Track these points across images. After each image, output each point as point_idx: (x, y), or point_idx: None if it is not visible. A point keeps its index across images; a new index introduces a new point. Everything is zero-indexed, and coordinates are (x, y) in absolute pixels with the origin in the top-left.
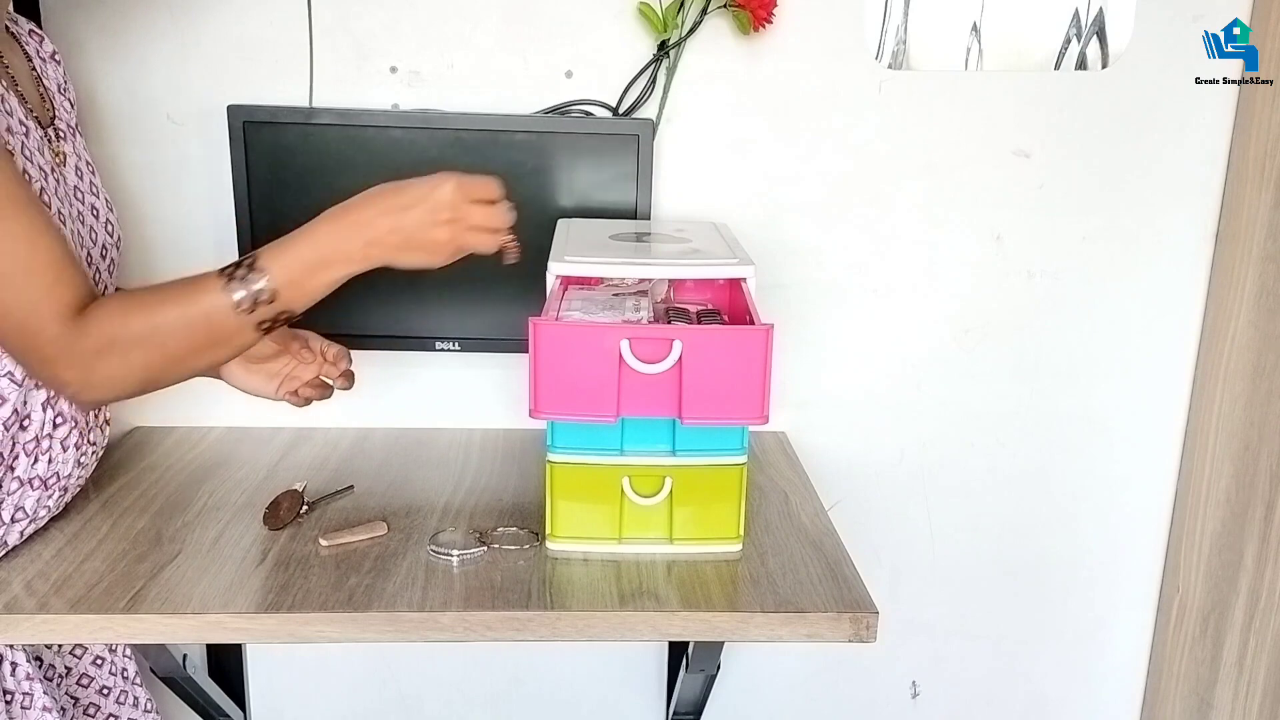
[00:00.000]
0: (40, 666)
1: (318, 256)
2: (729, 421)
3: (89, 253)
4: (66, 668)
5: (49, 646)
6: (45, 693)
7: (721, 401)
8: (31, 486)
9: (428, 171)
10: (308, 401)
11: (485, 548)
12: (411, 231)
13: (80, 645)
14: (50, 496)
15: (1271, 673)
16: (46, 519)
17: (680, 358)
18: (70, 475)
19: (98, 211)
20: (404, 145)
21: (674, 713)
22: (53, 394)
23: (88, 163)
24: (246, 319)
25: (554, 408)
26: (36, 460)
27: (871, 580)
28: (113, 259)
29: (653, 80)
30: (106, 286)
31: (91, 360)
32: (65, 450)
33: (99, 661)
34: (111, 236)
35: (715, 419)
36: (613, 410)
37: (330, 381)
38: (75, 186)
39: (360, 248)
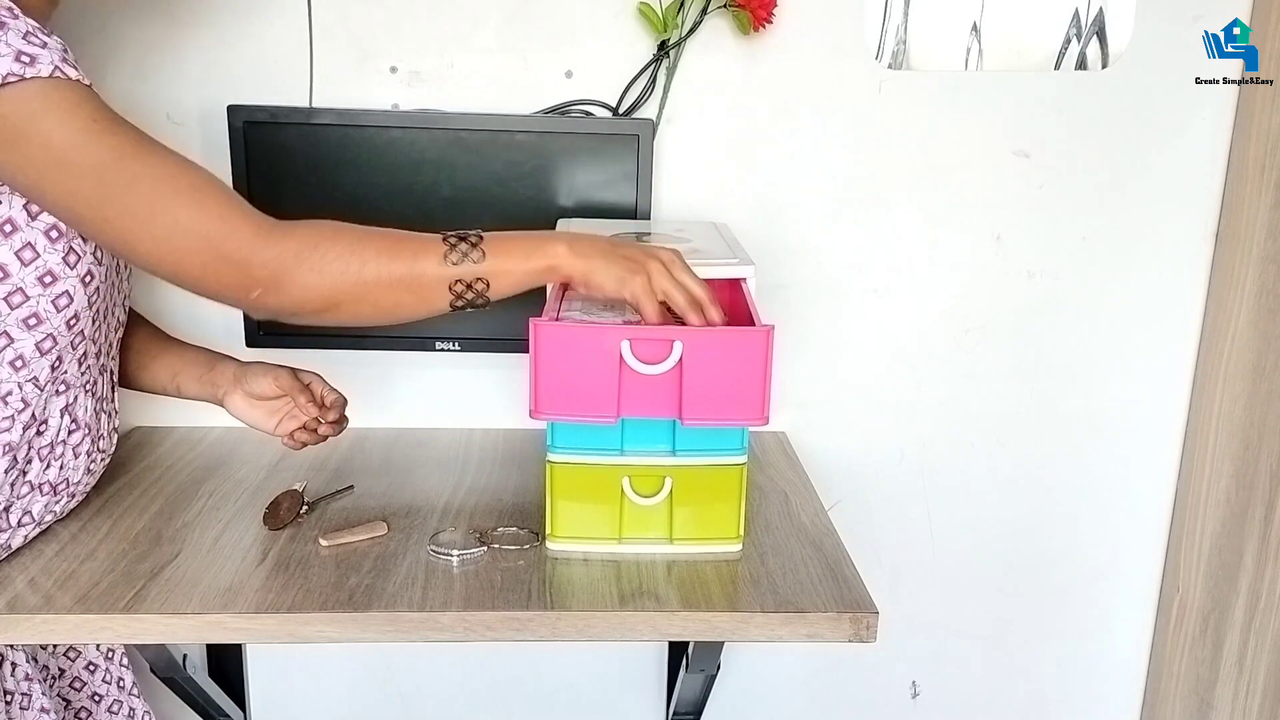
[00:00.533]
0: (36, 666)
1: (531, 243)
2: (729, 422)
3: (116, 262)
4: (60, 669)
5: (44, 647)
6: (43, 694)
7: (722, 402)
8: (41, 492)
9: (428, 171)
10: (302, 445)
11: (485, 548)
12: (620, 248)
13: (74, 649)
14: (58, 502)
15: (1271, 673)
16: (51, 523)
17: (681, 358)
18: (80, 482)
19: None
20: (404, 145)
21: (674, 713)
22: (70, 400)
23: None
24: (449, 274)
25: (554, 408)
26: (49, 466)
27: (871, 580)
28: (132, 269)
29: (653, 80)
30: (126, 296)
31: (290, 259)
32: (77, 457)
33: (92, 668)
34: None
35: (716, 420)
36: (613, 411)
37: (321, 424)
38: None
39: (568, 243)
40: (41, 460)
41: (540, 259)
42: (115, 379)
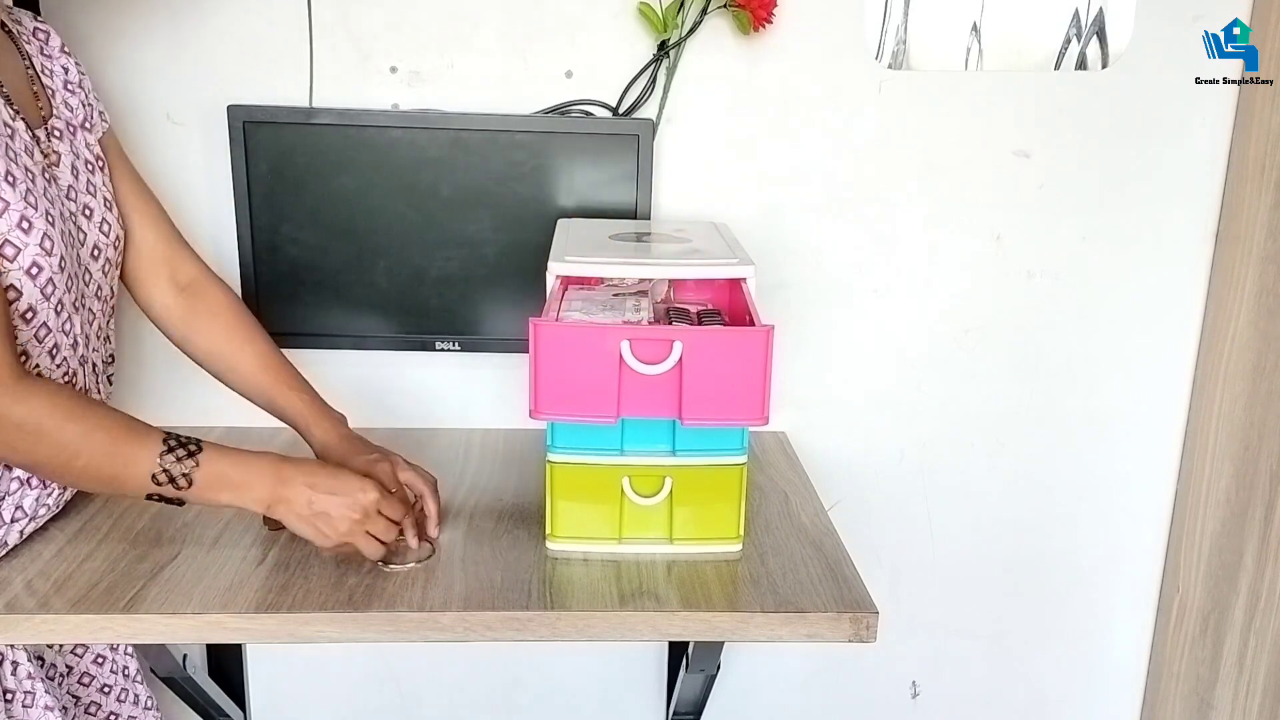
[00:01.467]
0: (42, 666)
1: (240, 479)
2: (729, 422)
3: (77, 253)
4: (68, 666)
5: (50, 646)
6: (47, 691)
7: (722, 402)
8: (30, 485)
9: (428, 171)
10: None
11: (433, 549)
12: (320, 510)
13: (81, 644)
14: (50, 495)
15: (1271, 673)
16: (46, 518)
17: (680, 358)
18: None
19: (91, 211)
20: (404, 145)
21: (674, 713)
22: None
23: (87, 162)
24: (147, 484)
25: (554, 408)
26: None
27: (871, 580)
28: (108, 258)
29: (653, 80)
30: (100, 286)
31: (7, 428)
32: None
33: (100, 660)
34: (106, 236)
35: (715, 420)
36: (613, 411)
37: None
38: (69, 186)
39: (271, 493)
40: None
41: (237, 496)
42: (103, 370)
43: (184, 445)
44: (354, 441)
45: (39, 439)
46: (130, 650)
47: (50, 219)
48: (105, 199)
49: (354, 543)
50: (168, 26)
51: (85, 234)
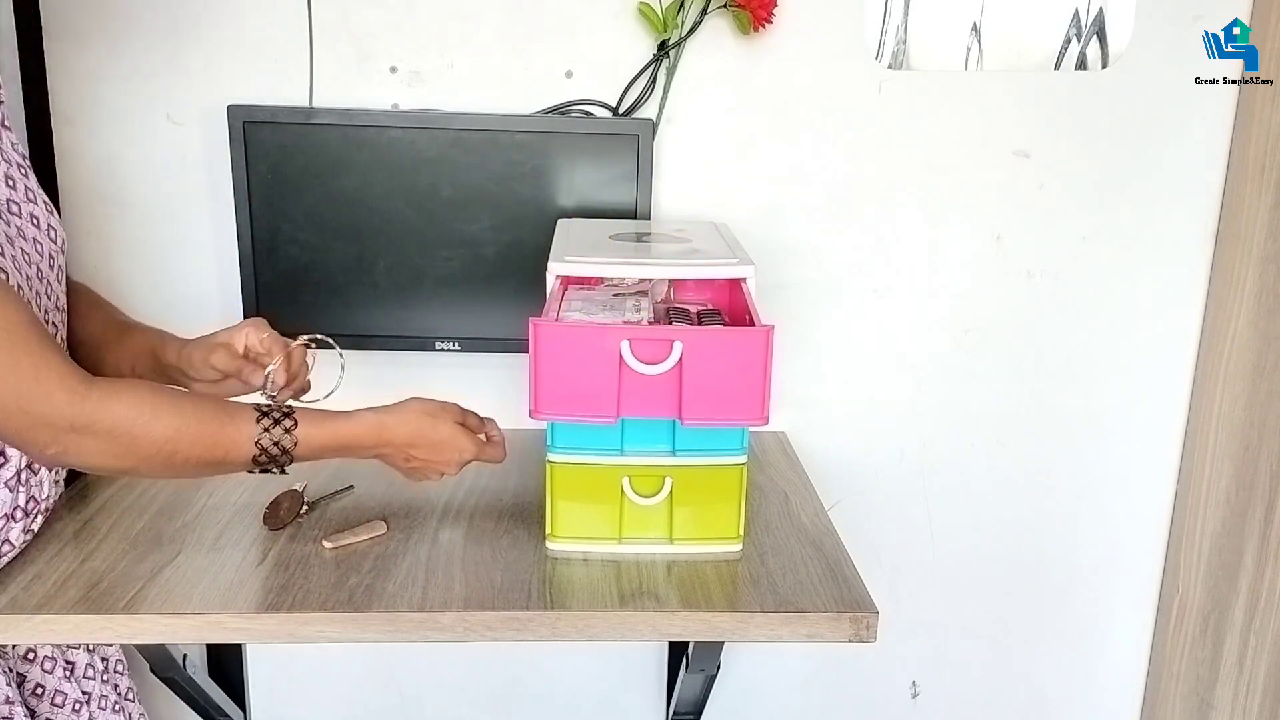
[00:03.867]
0: (23, 685)
1: (341, 447)
2: (729, 422)
3: (38, 268)
4: (56, 689)
5: (31, 661)
6: (26, 716)
7: (722, 402)
8: (15, 519)
9: (428, 171)
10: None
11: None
12: (419, 466)
13: (65, 662)
14: (34, 521)
15: (1271, 673)
16: (27, 543)
17: (680, 359)
18: (48, 496)
19: (38, 220)
20: (404, 145)
21: (674, 713)
22: None
23: (19, 165)
24: (249, 464)
25: (554, 408)
26: (17, 492)
27: (871, 580)
28: (60, 266)
29: (653, 80)
30: (59, 297)
31: (102, 432)
32: (37, 473)
33: (90, 677)
34: (55, 242)
35: (716, 420)
36: (613, 411)
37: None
38: (8, 200)
39: (373, 452)
40: (10, 490)
41: (341, 456)
42: None
43: (278, 420)
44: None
45: (134, 442)
46: (121, 668)
47: (7, 238)
48: (45, 202)
49: (448, 475)
50: (168, 26)
51: (41, 245)
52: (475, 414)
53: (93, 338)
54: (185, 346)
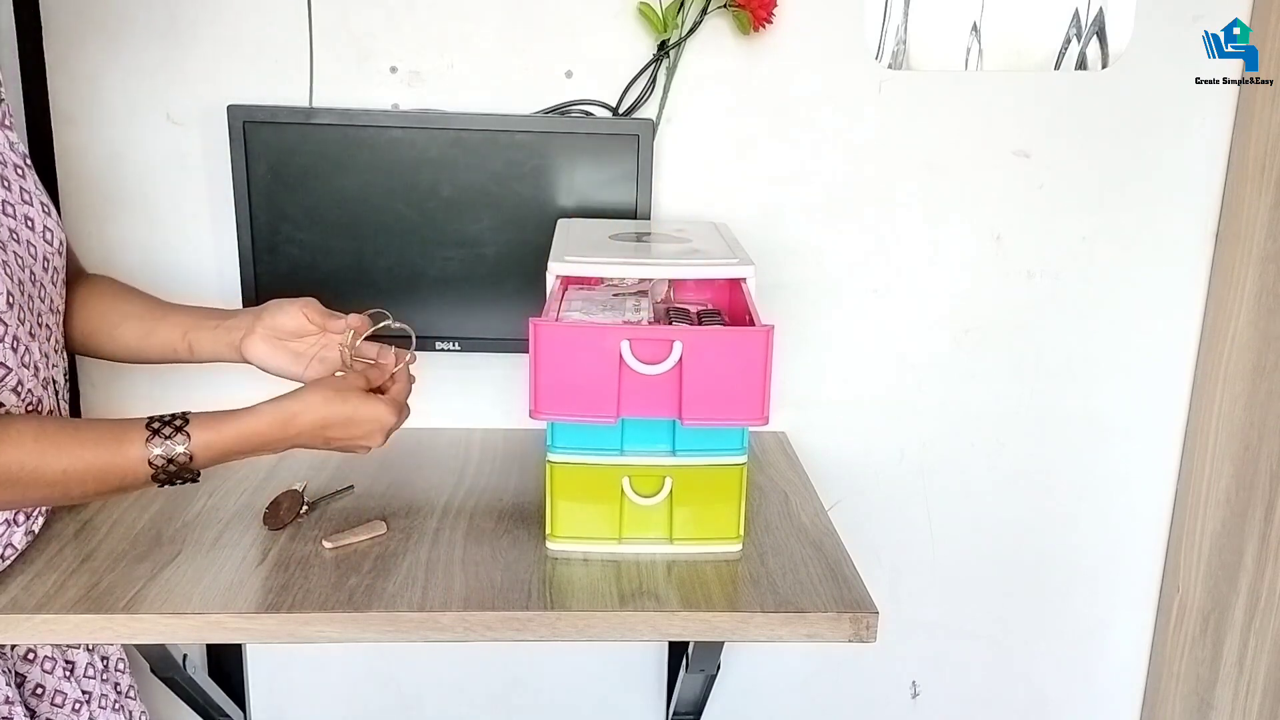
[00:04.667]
0: (22, 686)
1: (246, 446)
2: (729, 422)
3: (31, 271)
4: (57, 689)
5: (31, 661)
6: (25, 716)
7: (722, 402)
8: (17, 523)
9: (428, 171)
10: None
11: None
12: (340, 443)
13: (65, 662)
14: (35, 523)
15: (1271, 673)
16: (29, 543)
17: (680, 359)
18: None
19: (33, 222)
20: (404, 145)
21: (674, 713)
22: None
23: (16, 167)
24: (153, 472)
25: (554, 408)
26: None
27: (871, 580)
28: (56, 268)
29: (653, 80)
30: (53, 300)
31: None
32: None
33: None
34: (52, 245)
35: (716, 420)
36: (613, 411)
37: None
38: (3, 201)
39: (285, 444)
40: None
41: (249, 457)
42: (62, 386)
43: (169, 424)
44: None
45: (29, 483)
46: (122, 666)
47: None
48: (43, 203)
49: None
50: (167, 26)
51: (35, 248)
52: (376, 364)
53: (133, 314)
54: (262, 305)
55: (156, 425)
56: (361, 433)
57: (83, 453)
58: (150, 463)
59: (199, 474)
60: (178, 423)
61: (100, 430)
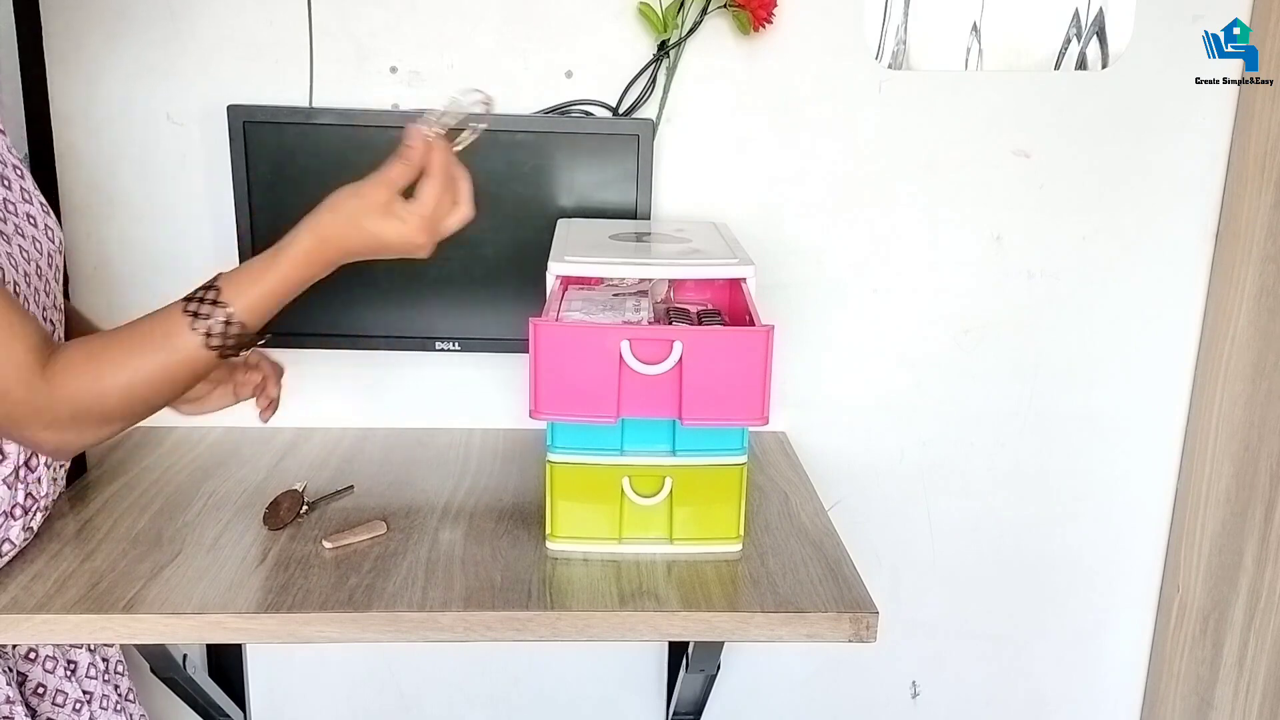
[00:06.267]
0: (23, 684)
1: (291, 286)
2: (729, 422)
3: (36, 265)
4: (58, 689)
5: (32, 660)
6: (27, 715)
7: (722, 402)
8: (14, 517)
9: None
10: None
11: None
12: (392, 238)
13: (68, 661)
14: (34, 519)
15: (1271, 673)
16: (27, 541)
17: (681, 359)
18: (46, 494)
19: (34, 219)
20: None
21: (674, 713)
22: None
23: (15, 167)
24: (209, 356)
25: (554, 408)
26: (15, 489)
27: (871, 580)
28: (57, 265)
29: (653, 80)
30: (57, 296)
31: (67, 423)
32: (34, 470)
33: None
34: (54, 242)
35: (715, 420)
36: (613, 411)
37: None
38: (4, 199)
39: (334, 254)
40: (9, 488)
41: (296, 293)
42: None
43: (204, 301)
44: None
45: (102, 409)
46: (121, 669)
47: (5, 237)
48: (41, 202)
49: (446, 231)
50: (168, 26)
51: (40, 244)
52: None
53: None
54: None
55: (194, 308)
56: (403, 214)
57: (138, 362)
58: (208, 346)
59: (263, 332)
60: (211, 295)
61: (145, 330)
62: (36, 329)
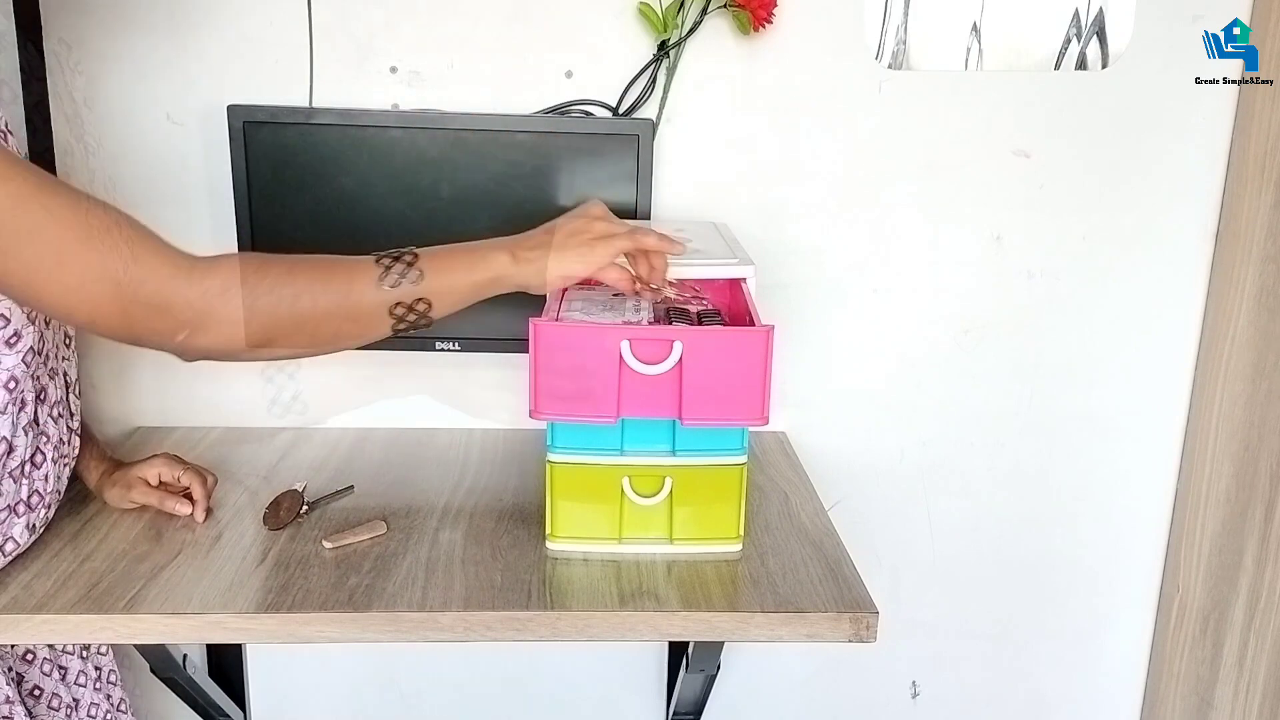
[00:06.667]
0: (17, 688)
1: (472, 256)
2: (729, 422)
3: None
4: (54, 693)
5: (29, 660)
6: (27, 714)
7: (722, 402)
8: (18, 513)
9: (428, 171)
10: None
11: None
12: (567, 234)
13: (59, 667)
14: (37, 516)
15: (1271, 673)
16: (32, 541)
17: (680, 359)
18: (51, 490)
19: None
20: (404, 145)
21: (674, 713)
22: (31, 415)
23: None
24: (388, 298)
25: (554, 408)
26: (21, 484)
27: (871, 580)
28: None
29: (653, 80)
30: None
31: (215, 298)
32: (39, 467)
33: (82, 681)
34: None
35: (715, 420)
36: (613, 411)
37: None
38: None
39: (510, 250)
40: (14, 480)
41: (483, 271)
42: (73, 380)
43: (396, 257)
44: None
45: (254, 300)
46: (104, 649)
47: None
48: None
49: (615, 246)
50: (168, 26)
51: None
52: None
53: None
54: (101, 477)
55: (388, 262)
56: (590, 219)
57: (314, 289)
58: (388, 308)
59: (431, 317)
60: (408, 258)
61: (330, 266)
62: (170, 246)
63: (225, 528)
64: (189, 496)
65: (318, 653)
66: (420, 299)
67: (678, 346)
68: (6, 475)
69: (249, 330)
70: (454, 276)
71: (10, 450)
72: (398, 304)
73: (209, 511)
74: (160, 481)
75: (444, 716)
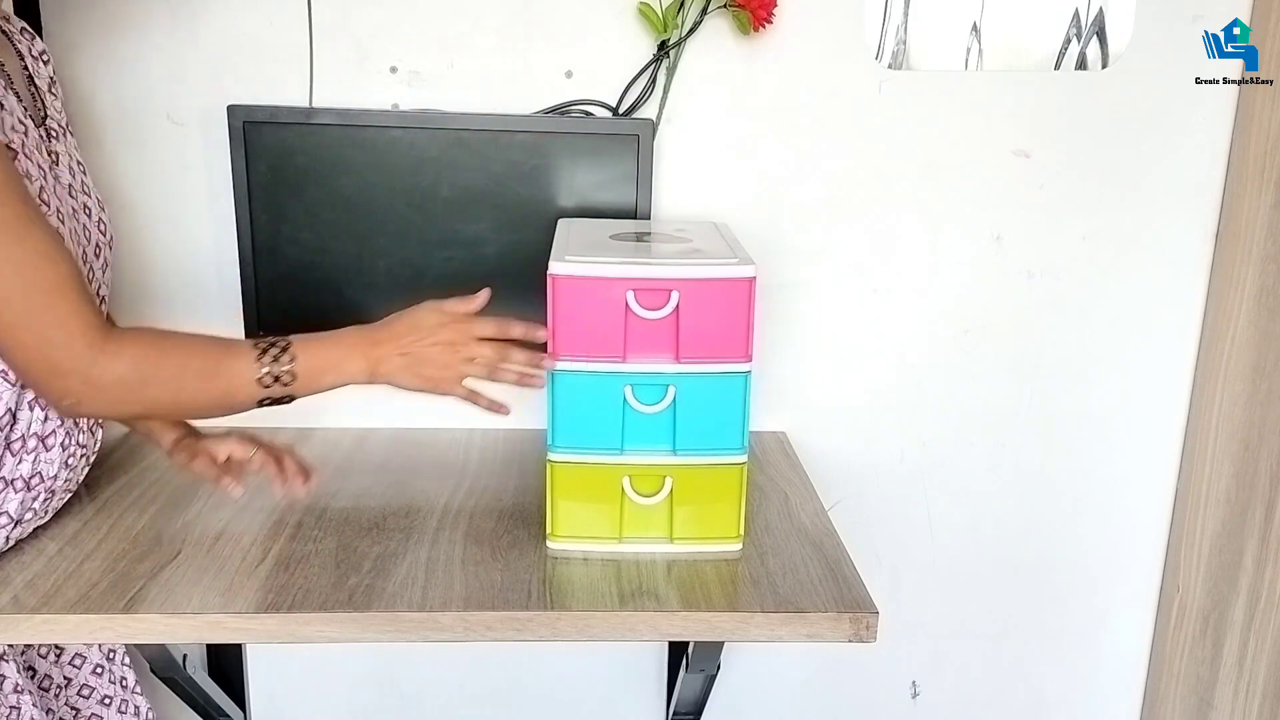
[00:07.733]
0: (35, 677)
1: (337, 358)
2: (719, 360)
3: (84, 250)
4: (66, 678)
5: (43, 656)
6: (35, 704)
7: (713, 344)
8: (14, 488)
9: (428, 171)
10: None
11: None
12: (417, 353)
13: (79, 654)
14: (35, 499)
15: (1271, 673)
16: (34, 524)
17: (678, 305)
18: (56, 477)
19: (89, 210)
20: (404, 145)
21: (674, 713)
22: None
23: (78, 162)
24: (257, 391)
25: (570, 350)
26: (21, 460)
27: (871, 580)
28: (106, 258)
29: (653, 80)
30: (101, 285)
31: (110, 384)
32: (49, 450)
33: (99, 670)
34: (104, 235)
35: (707, 358)
36: (620, 352)
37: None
38: (69, 185)
39: (368, 361)
40: (14, 455)
41: (342, 378)
42: None
43: (274, 345)
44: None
45: (144, 386)
46: (127, 660)
47: (60, 217)
48: (98, 199)
49: (467, 372)
50: (168, 26)
51: (89, 232)
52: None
53: None
54: (175, 442)
55: (264, 346)
56: (447, 339)
57: (194, 361)
58: (260, 385)
59: (293, 397)
60: (282, 343)
61: (212, 344)
62: (94, 300)
63: (225, 528)
64: (280, 464)
65: (317, 652)
66: (287, 395)
67: (674, 295)
68: (6, 449)
69: (127, 408)
70: (319, 379)
71: (14, 422)
72: (266, 398)
73: (307, 473)
74: (229, 458)
75: (444, 716)
